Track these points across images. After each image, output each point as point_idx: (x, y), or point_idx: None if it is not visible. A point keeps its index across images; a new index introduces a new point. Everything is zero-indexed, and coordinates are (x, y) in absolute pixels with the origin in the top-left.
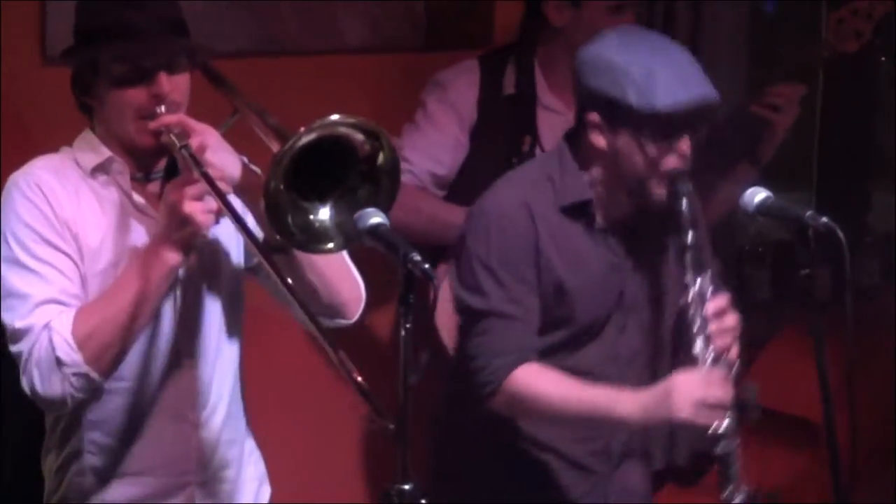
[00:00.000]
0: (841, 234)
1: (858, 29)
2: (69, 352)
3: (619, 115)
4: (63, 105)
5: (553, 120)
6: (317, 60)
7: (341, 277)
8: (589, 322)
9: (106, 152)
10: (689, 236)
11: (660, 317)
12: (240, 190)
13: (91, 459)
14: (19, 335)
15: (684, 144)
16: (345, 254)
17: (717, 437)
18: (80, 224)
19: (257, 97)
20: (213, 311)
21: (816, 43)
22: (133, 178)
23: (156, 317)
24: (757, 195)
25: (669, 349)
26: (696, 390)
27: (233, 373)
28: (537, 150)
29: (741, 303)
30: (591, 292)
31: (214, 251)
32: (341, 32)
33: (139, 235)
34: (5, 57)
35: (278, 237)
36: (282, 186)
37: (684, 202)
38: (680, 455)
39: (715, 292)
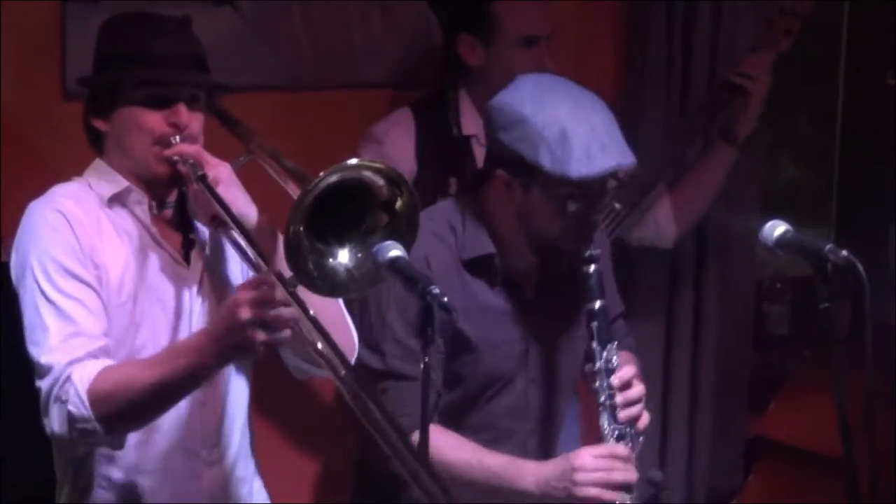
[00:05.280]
0: (861, 268)
1: (788, 27)
2: (80, 407)
3: (530, 175)
4: (82, 140)
5: None
6: (334, 95)
7: (335, 323)
8: (495, 376)
9: (123, 182)
10: (597, 304)
11: (569, 364)
12: (249, 229)
13: (103, 495)
14: (43, 371)
15: (597, 212)
16: (341, 302)
17: None
18: (103, 254)
19: (274, 132)
20: None
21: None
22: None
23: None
24: (776, 228)
25: (572, 394)
26: (599, 467)
27: (243, 411)
28: None
29: (760, 338)
30: (495, 346)
31: (226, 290)
32: (358, 68)
33: (155, 268)
34: (26, 92)
35: (295, 278)
36: (302, 228)
37: (591, 268)
38: None
39: (620, 363)
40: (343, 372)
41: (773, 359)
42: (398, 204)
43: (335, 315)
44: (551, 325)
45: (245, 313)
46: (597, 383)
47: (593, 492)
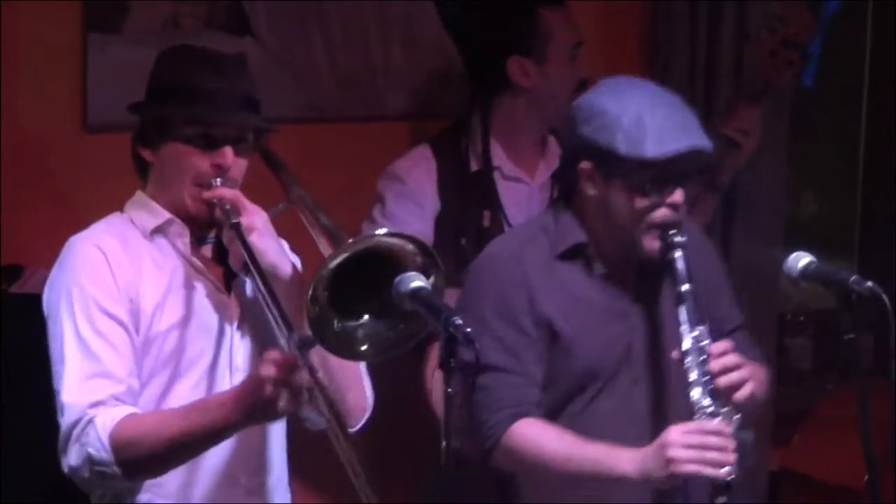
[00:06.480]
0: (886, 299)
1: (790, 59)
2: (101, 451)
3: (609, 163)
4: (102, 172)
5: (515, 190)
6: (357, 127)
7: (351, 384)
8: (592, 375)
9: (165, 214)
10: (684, 288)
11: (678, 367)
12: (279, 280)
13: None
14: (63, 408)
15: (677, 195)
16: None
17: (720, 488)
18: (139, 288)
19: (298, 164)
20: None
21: (750, 77)
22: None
23: (212, 381)
24: (801, 260)
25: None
26: (690, 442)
27: (282, 442)
28: (504, 225)
29: (783, 371)
30: (592, 341)
31: (268, 322)
32: (381, 99)
33: (198, 296)
34: (46, 124)
35: (314, 337)
36: (327, 291)
37: (678, 253)
38: None
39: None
40: (341, 437)
41: (796, 392)
42: (432, 278)
43: (352, 374)
44: (656, 324)
45: (269, 390)
46: (687, 360)
47: (691, 467)
